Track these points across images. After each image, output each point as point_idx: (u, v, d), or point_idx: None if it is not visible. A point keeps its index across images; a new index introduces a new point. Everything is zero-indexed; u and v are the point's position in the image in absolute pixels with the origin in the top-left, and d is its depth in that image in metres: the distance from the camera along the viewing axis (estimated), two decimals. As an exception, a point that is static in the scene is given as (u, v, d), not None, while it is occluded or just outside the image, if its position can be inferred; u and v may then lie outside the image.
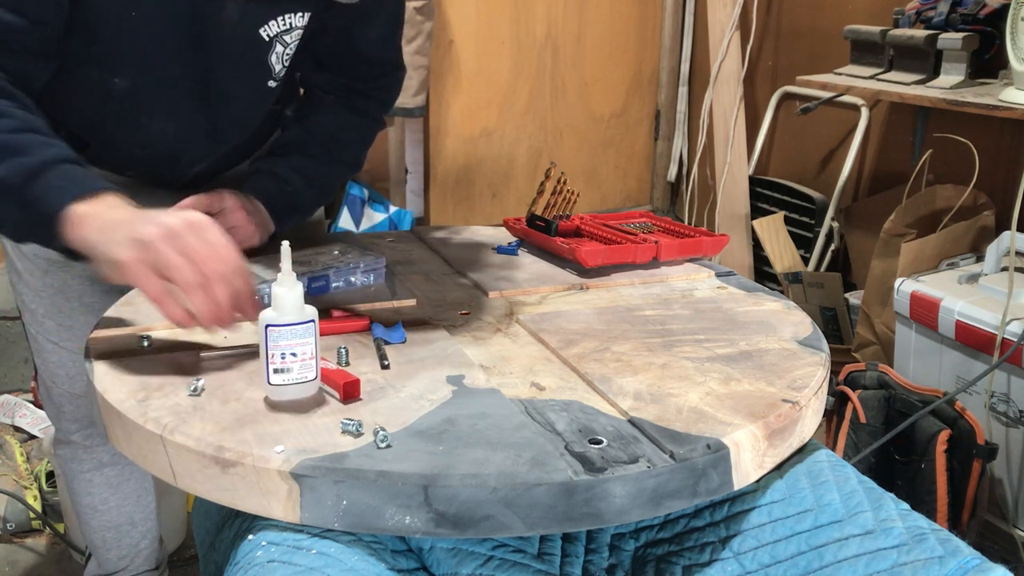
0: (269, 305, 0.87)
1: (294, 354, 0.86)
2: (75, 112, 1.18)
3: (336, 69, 1.34)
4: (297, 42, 1.20)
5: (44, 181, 0.95)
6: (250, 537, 0.79)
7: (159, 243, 0.88)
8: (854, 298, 2.46)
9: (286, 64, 1.22)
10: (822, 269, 2.71)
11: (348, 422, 0.82)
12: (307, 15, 1.18)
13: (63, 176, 0.96)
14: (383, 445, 0.79)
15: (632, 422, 0.85)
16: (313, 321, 0.87)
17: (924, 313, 1.93)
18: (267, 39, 1.16)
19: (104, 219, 0.93)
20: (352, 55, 1.32)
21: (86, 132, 1.21)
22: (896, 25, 2.35)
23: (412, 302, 1.16)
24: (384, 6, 1.29)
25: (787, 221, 2.81)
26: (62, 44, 1.08)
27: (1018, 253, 1.88)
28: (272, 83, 1.22)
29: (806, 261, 2.74)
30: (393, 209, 2.82)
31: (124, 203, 0.96)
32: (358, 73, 1.35)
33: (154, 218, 0.90)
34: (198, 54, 1.13)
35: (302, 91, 1.41)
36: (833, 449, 1.73)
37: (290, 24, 1.17)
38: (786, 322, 1.11)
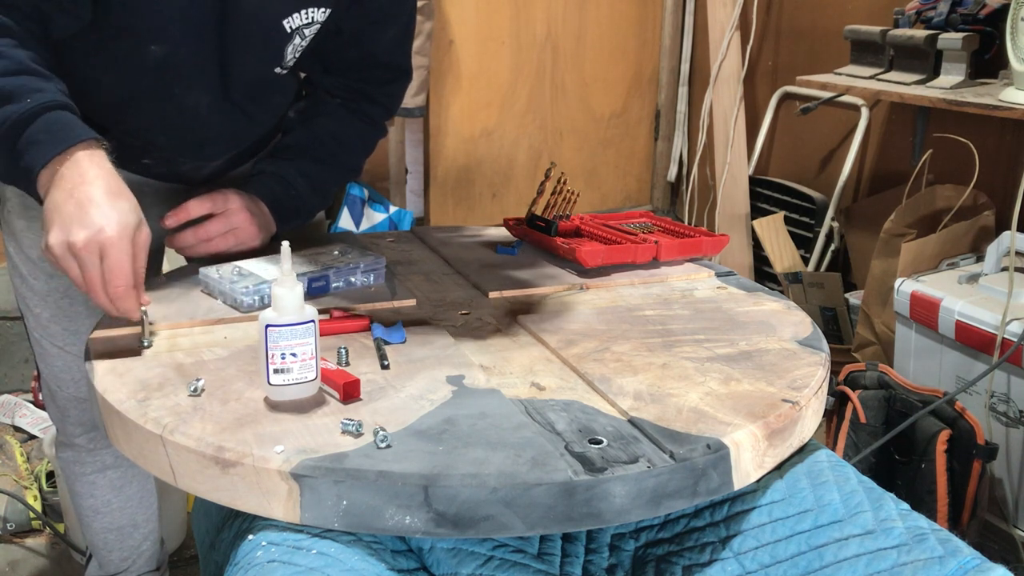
0: (269, 305, 0.87)
1: (294, 354, 0.86)
2: (105, 91, 1.16)
3: (346, 72, 1.34)
4: (312, 37, 1.21)
5: (28, 135, 0.98)
6: (250, 537, 0.79)
7: (82, 253, 0.95)
8: (854, 298, 2.46)
9: (296, 57, 1.22)
10: (822, 269, 2.71)
11: (348, 422, 0.82)
12: (328, 11, 1.19)
13: (47, 127, 0.98)
14: (383, 445, 0.79)
15: (632, 422, 0.85)
16: (313, 321, 0.87)
17: (924, 313, 1.93)
18: (289, 30, 1.17)
19: (66, 191, 0.96)
20: (364, 58, 1.33)
21: (112, 114, 1.19)
22: (896, 25, 2.35)
23: (412, 302, 1.16)
24: (400, 11, 1.30)
25: (787, 221, 2.81)
26: (100, 18, 1.08)
27: (1018, 253, 1.88)
28: (279, 70, 1.23)
29: (806, 261, 2.74)
30: (393, 209, 2.82)
31: (101, 160, 1.00)
32: (368, 77, 1.35)
33: (93, 221, 0.95)
34: (218, 30, 1.13)
35: (304, 93, 1.41)
36: (833, 449, 1.73)
37: (312, 18, 1.18)
38: (786, 322, 1.11)
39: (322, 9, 1.17)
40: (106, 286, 0.96)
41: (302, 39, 1.20)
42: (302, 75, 1.39)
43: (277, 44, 1.18)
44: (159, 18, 1.09)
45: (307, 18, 1.17)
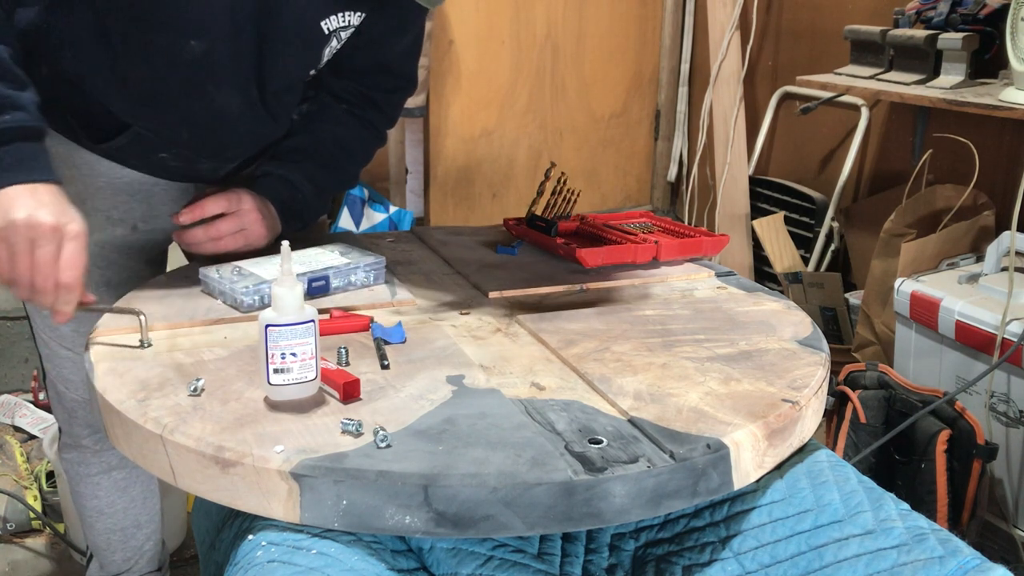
0: (269, 305, 0.87)
1: (294, 354, 0.86)
2: (133, 86, 1.16)
3: (357, 77, 1.34)
4: (345, 40, 1.21)
5: None
6: (250, 537, 0.79)
7: (46, 232, 0.95)
8: (854, 298, 2.46)
9: (329, 59, 1.23)
10: (822, 269, 2.71)
11: (348, 422, 0.82)
12: (363, 15, 1.19)
13: (19, 156, 0.98)
14: (383, 445, 0.79)
15: (632, 422, 0.85)
16: (313, 321, 0.87)
17: (924, 313, 1.93)
18: (326, 32, 1.17)
19: (18, 200, 0.96)
20: (377, 64, 1.33)
21: (137, 109, 1.18)
22: (896, 25, 2.34)
23: (412, 302, 1.16)
24: (417, 20, 1.31)
25: (787, 221, 2.81)
26: (143, 11, 1.08)
27: (1018, 253, 1.88)
28: (313, 72, 1.24)
29: (806, 261, 2.74)
30: (393, 209, 2.82)
31: (52, 195, 0.98)
32: (377, 83, 1.36)
33: (60, 211, 0.97)
34: (258, 30, 1.13)
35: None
36: (833, 449, 1.73)
37: (348, 22, 1.18)
38: (786, 322, 1.11)
39: (358, 13, 1.18)
40: (57, 274, 0.96)
41: (338, 42, 1.20)
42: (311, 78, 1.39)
43: (315, 46, 1.18)
44: (203, 13, 1.09)
45: (344, 21, 1.17)
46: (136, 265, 1.32)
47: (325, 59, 1.22)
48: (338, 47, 1.22)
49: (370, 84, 1.35)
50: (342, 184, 1.40)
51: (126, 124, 1.19)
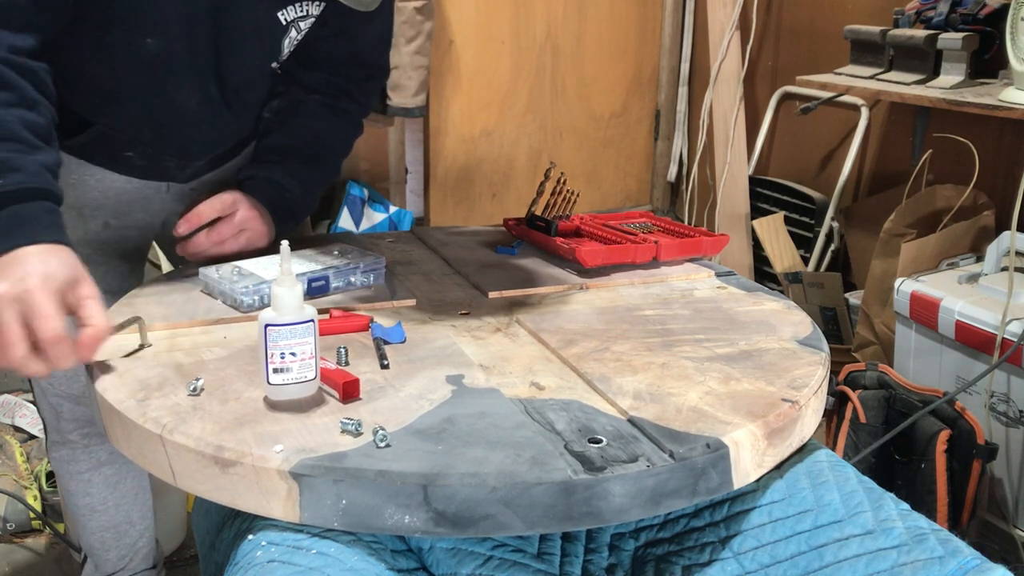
0: (269, 305, 0.87)
1: (294, 354, 0.86)
2: (93, 84, 1.15)
3: (327, 68, 1.34)
4: (307, 31, 1.21)
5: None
6: (250, 537, 0.79)
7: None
8: (854, 298, 2.46)
9: (290, 51, 1.22)
10: (822, 269, 2.71)
11: (348, 422, 0.82)
12: (323, 4, 1.19)
13: (10, 219, 0.91)
14: (382, 444, 0.79)
15: (632, 421, 0.85)
16: (313, 321, 0.87)
17: (924, 313, 1.93)
18: (284, 23, 1.17)
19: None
20: (347, 54, 1.33)
21: (98, 107, 1.18)
22: (896, 25, 2.35)
23: (412, 302, 1.16)
24: (384, 7, 1.30)
25: (787, 221, 2.81)
26: (97, 10, 1.07)
27: (1018, 253, 1.88)
28: (275, 64, 1.23)
29: (806, 261, 2.74)
30: (393, 209, 2.82)
31: (54, 253, 0.90)
32: (349, 74, 1.36)
33: (14, 273, 0.87)
34: (214, 24, 1.12)
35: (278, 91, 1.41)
36: (833, 449, 1.73)
37: (306, 11, 1.18)
38: (786, 322, 1.11)
39: (317, 2, 1.18)
40: (34, 335, 0.87)
41: (298, 32, 1.20)
42: (278, 72, 1.39)
43: (273, 38, 1.18)
44: (157, 10, 1.09)
45: (302, 11, 1.17)
46: (111, 260, 1.32)
47: (286, 51, 1.21)
48: (299, 38, 1.21)
49: (342, 74, 1.35)
50: (327, 177, 1.40)
51: (89, 122, 1.19)
